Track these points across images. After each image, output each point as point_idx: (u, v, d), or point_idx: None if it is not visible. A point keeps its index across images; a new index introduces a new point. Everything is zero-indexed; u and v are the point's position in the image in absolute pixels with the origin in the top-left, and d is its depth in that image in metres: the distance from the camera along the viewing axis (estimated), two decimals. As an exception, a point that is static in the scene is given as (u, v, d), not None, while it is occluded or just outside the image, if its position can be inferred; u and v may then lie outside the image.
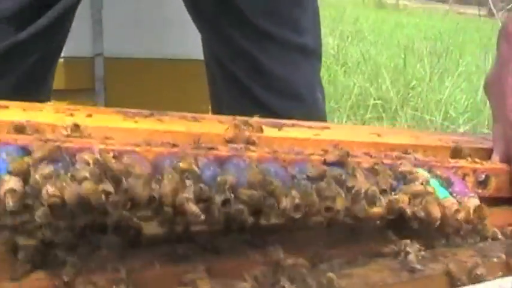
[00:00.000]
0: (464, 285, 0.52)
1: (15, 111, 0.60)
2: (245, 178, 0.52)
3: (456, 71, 5.55)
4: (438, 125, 3.53)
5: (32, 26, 1.01)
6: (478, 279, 0.53)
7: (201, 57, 1.53)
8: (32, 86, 1.06)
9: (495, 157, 0.74)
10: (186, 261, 0.51)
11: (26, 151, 0.48)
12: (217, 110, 1.24)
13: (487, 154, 0.75)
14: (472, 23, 13.92)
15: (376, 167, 0.58)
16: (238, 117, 0.69)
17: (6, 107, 0.61)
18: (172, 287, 0.48)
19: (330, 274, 0.50)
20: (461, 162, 0.69)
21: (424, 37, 8.24)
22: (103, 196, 0.45)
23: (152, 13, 1.59)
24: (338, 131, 0.78)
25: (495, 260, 0.57)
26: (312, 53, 1.17)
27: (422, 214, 0.58)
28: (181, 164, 0.50)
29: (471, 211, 0.60)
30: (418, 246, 0.56)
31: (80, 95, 1.52)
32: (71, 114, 0.62)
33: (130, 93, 1.61)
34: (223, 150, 0.56)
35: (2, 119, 0.56)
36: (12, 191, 0.44)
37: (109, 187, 0.45)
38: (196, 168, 0.51)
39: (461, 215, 0.59)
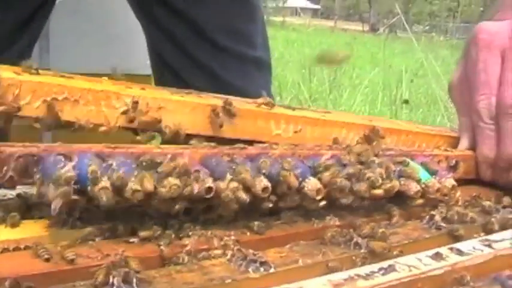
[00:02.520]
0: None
1: (80, 81, 0.71)
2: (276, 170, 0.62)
3: (351, 85, 5.80)
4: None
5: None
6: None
7: (145, 72, 1.61)
8: None
9: (462, 145, 0.88)
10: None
11: (100, 158, 0.56)
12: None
13: (454, 142, 0.91)
14: (358, 39, 14.43)
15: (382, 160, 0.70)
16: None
17: (72, 77, 0.72)
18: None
19: (383, 229, 0.62)
20: (436, 151, 0.83)
21: (316, 53, 8.48)
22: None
23: (98, 27, 1.64)
24: (338, 115, 0.90)
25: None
26: (265, 66, 1.25)
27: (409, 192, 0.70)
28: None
29: (449, 188, 0.73)
30: (440, 210, 0.70)
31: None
32: (129, 87, 0.73)
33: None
34: (252, 149, 0.66)
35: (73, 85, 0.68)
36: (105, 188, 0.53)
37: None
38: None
39: (441, 191, 0.72)
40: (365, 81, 5.92)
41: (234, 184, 0.59)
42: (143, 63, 1.32)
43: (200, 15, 1.18)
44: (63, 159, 0.54)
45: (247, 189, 0.59)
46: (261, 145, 0.68)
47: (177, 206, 0.57)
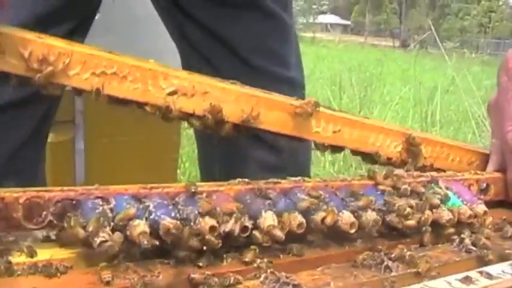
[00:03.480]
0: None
1: (130, 59, 0.75)
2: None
3: (381, 102, 5.78)
4: (373, 153, 3.69)
5: None
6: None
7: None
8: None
9: (490, 167, 0.88)
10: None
11: (137, 199, 0.58)
12: (205, 138, 1.30)
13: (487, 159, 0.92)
14: (388, 55, 14.39)
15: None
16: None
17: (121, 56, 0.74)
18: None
19: (411, 252, 0.63)
20: (466, 175, 0.83)
21: (347, 69, 8.47)
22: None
23: (129, 47, 1.66)
24: (376, 121, 0.92)
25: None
26: (299, 86, 1.25)
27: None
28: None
29: (481, 214, 0.73)
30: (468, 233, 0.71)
31: (61, 127, 1.57)
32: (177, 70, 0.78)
33: (108, 126, 1.67)
34: (285, 183, 0.68)
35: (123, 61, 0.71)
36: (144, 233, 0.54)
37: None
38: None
39: (473, 218, 0.73)
40: (396, 98, 5.89)
41: (270, 222, 0.60)
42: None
43: (233, 35, 1.18)
44: (100, 203, 0.56)
45: (282, 226, 0.61)
46: (293, 178, 0.70)
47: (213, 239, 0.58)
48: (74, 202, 0.57)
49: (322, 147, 0.85)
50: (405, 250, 0.63)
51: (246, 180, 0.67)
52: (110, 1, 1.59)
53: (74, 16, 1.12)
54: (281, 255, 0.62)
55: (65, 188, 0.57)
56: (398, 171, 0.74)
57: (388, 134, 0.85)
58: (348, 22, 44.52)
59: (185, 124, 1.49)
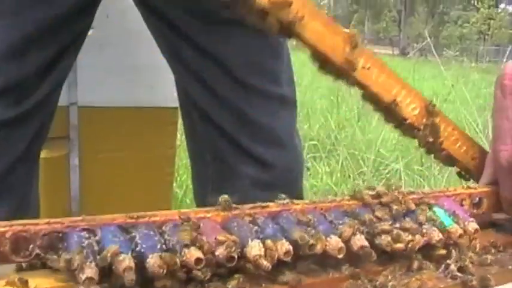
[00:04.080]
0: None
1: None
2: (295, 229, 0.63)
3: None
4: (371, 163, 3.69)
5: (33, 96, 1.09)
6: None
7: (169, 104, 1.63)
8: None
9: (484, 180, 0.87)
10: None
11: (124, 230, 0.58)
12: (198, 155, 1.31)
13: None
14: (387, 63, 14.35)
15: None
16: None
17: None
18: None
19: (393, 282, 0.63)
20: (459, 190, 0.82)
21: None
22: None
23: (124, 62, 1.66)
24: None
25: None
26: (290, 103, 1.26)
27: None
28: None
29: (472, 233, 0.73)
30: (455, 258, 0.70)
31: (55, 143, 1.57)
32: None
33: (103, 141, 1.67)
34: (273, 206, 0.67)
35: None
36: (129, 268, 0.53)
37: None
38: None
39: (464, 238, 0.72)
40: (394, 107, 5.87)
41: (256, 252, 0.59)
42: (171, 96, 1.34)
43: (225, 53, 1.18)
44: (87, 235, 0.56)
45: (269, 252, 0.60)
46: (281, 201, 0.68)
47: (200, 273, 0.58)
48: (60, 235, 0.56)
49: (350, 79, 0.83)
50: (389, 277, 0.63)
51: (233, 205, 0.66)
52: (103, 16, 1.59)
53: (66, 34, 1.12)
54: (263, 284, 0.61)
55: (52, 220, 0.57)
56: (388, 190, 0.73)
57: (410, 92, 0.85)
58: (347, 30, 44.47)
59: (182, 137, 1.50)
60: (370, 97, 0.85)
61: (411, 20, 40.61)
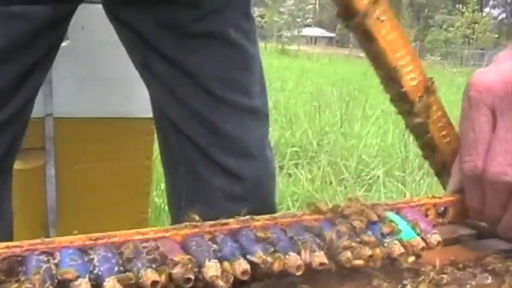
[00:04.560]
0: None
1: None
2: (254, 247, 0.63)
3: (363, 117, 5.81)
4: (352, 169, 3.71)
5: (5, 109, 1.08)
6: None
7: (145, 115, 1.63)
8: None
9: (450, 187, 0.86)
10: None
11: (82, 252, 0.58)
12: (172, 167, 1.31)
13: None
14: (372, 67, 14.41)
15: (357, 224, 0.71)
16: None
17: None
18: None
19: None
20: (424, 200, 0.81)
21: (330, 83, 8.51)
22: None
23: (99, 73, 1.66)
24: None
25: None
26: (262, 115, 1.25)
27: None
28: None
29: (435, 245, 0.72)
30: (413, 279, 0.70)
31: (31, 154, 1.57)
32: None
33: (79, 151, 1.67)
34: (234, 223, 0.66)
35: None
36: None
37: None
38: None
39: (426, 249, 0.71)
40: (377, 112, 5.92)
41: (213, 272, 0.59)
42: (147, 106, 1.34)
43: (196, 66, 1.18)
44: (45, 258, 0.56)
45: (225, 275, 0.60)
46: (242, 218, 0.68)
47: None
48: (19, 258, 0.56)
49: (356, 27, 0.82)
50: None
51: (193, 223, 0.66)
52: (79, 28, 1.60)
53: (39, 47, 1.12)
54: None
55: (11, 244, 0.57)
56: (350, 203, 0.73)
57: (413, 61, 0.83)
58: (333, 34, 44.64)
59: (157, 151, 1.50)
60: (374, 54, 0.83)
61: (396, 24, 40.64)
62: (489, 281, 0.72)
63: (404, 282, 0.69)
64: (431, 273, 0.70)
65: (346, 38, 43.42)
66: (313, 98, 6.19)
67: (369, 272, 0.70)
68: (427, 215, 0.81)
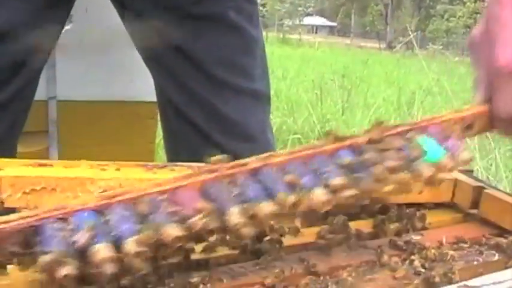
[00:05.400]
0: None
1: (59, 169, 0.72)
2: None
3: (365, 105, 5.80)
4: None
5: (6, 89, 1.08)
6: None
7: (148, 99, 1.64)
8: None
9: (478, 97, 0.81)
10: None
11: (98, 213, 0.55)
12: (174, 151, 1.31)
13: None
14: (374, 56, 14.41)
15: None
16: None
17: (51, 165, 0.73)
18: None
19: (352, 280, 0.62)
20: (449, 115, 0.76)
21: (332, 71, 8.48)
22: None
23: (103, 57, 1.67)
24: None
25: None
26: (263, 98, 1.26)
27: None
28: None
29: (466, 161, 0.70)
30: (419, 255, 0.70)
31: (34, 137, 1.58)
32: (103, 169, 0.74)
33: (82, 135, 1.67)
34: (253, 163, 0.63)
35: (49, 175, 0.69)
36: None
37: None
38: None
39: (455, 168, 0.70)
40: (379, 100, 5.91)
41: (236, 220, 0.56)
42: (150, 90, 1.34)
43: (197, 49, 1.19)
44: (60, 226, 0.54)
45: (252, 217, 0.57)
46: (262, 155, 0.64)
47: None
48: (33, 228, 0.53)
49: None
50: (352, 274, 0.63)
51: (211, 167, 0.62)
52: (83, 10, 1.60)
53: (41, 28, 1.13)
54: (224, 280, 0.61)
55: (24, 214, 0.54)
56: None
57: None
58: (334, 24, 44.51)
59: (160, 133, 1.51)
60: None
61: (398, 13, 40.66)
62: (496, 257, 0.72)
63: (412, 257, 0.69)
64: (438, 250, 0.70)
65: (347, 27, 43.34)
66: (315, 86, 6.16)
67: (376, 249, 0.70)
68: (452, 130, 0.75)
